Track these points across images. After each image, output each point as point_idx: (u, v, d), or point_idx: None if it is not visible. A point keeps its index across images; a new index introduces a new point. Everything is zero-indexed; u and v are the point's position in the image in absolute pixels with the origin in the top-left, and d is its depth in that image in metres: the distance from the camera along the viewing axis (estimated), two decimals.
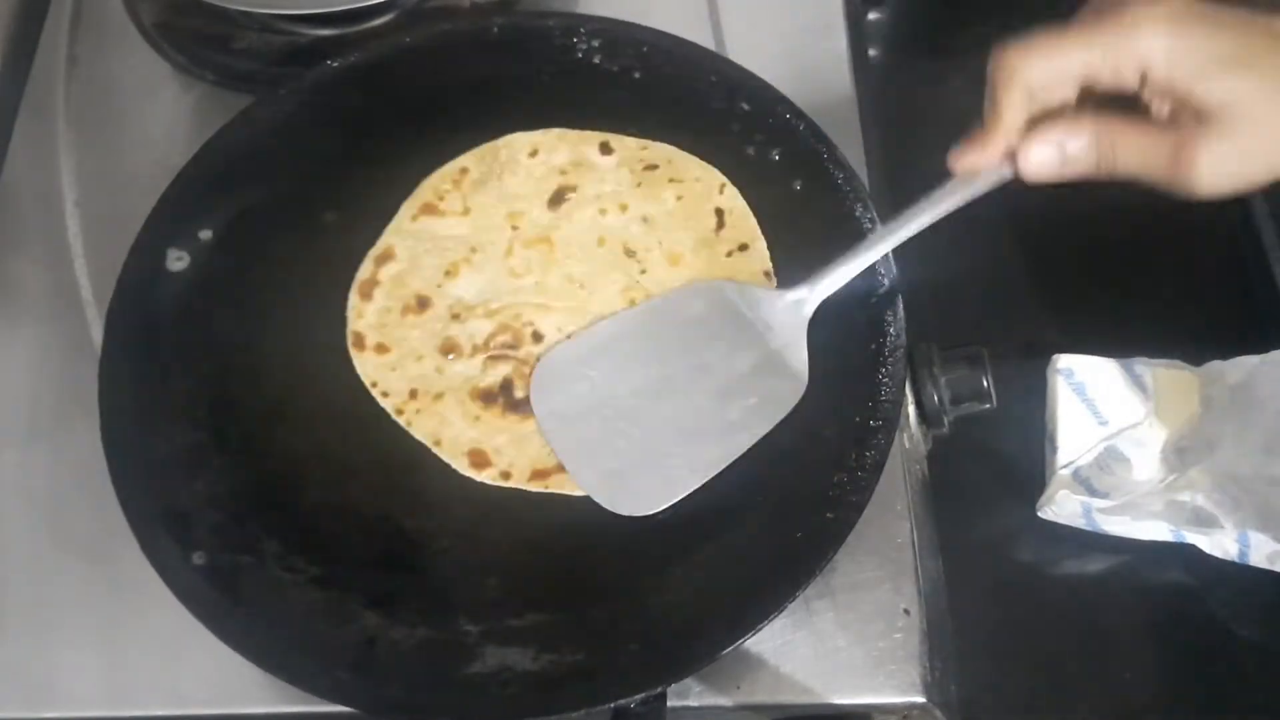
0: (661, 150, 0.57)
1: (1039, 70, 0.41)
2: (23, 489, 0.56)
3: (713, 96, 0.58)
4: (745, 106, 0.57)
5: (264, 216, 0.57)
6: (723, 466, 0.49)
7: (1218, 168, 0.40)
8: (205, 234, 0.56)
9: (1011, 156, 0.43)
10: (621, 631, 0.46)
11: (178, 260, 0.55)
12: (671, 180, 0.56)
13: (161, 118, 0.67)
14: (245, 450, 0.51)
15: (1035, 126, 0.42)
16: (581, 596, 0.47)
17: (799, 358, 0.50)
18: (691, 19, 0.67)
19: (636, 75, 0.59)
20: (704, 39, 0.65)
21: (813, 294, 0.50)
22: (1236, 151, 0.40)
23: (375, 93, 0.60)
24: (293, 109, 0.59)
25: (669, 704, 0.45)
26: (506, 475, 0.50)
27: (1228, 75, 0.39)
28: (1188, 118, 0.40)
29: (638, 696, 0.44)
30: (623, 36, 0.60)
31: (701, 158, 0.57)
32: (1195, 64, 0.39)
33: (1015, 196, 0.75)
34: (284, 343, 0.54)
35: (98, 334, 0.58)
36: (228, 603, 0.47)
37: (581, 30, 0.60)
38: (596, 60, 0.60)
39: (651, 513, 0.48)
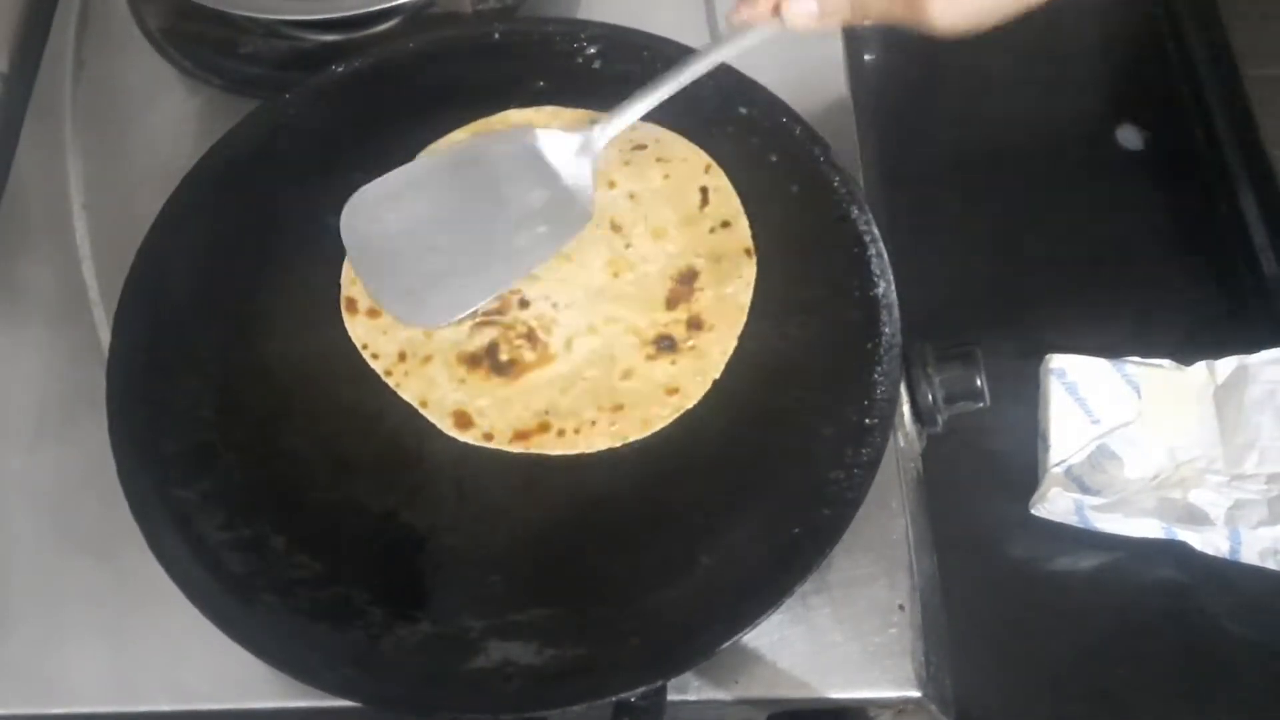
0: (650, 130, 0.58)
1: None
2: (31, 487, 0.57)
3: (710, 100, 0.59)
4: (742, 110, 0.58)
5: (269, 220, 0.57)
6: (509, 284, 0.53)
7: (950, 5, 0.44)
8: (211, 239, 0.57)
9: (777, 10, 0.48)
10: (622, 627, 0.47)
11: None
12: (659, 159, 0.57)
13: (167, 122, 0.67)
14: (251, 449, 0.52)
15: None
16: (583, 592, 0.48)
17: (585, 193, 0.54)
18: (690, 24, 0.68)
19: (636, 80, 0.60)
20: (702, 44, 0.65)
21: (601, 135, 0.54)
22: None
23: (379, 97, 0.60)
24: (297, 113, 0.60)
25: (669, 698, 0.46)
26: (489, 437, 0.51)
27: None
28: None
29: (638, 691, 0.44)
30: (623, 41, 0.60)
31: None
32: None
33: (1014, 195, 0.76)
34: (288, 343, 0.54)
35: (105, 335, 0.58)
36: (234, 599, 0.48)
37: (582, 36, 0.61)
38: (597, 65, 0.60)
39: (440, 324, 0.53)
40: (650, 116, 0.58)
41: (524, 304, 0.54)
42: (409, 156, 0.58)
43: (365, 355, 0.53)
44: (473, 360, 0.53)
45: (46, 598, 0.54)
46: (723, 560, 0.48)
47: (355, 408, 0.53)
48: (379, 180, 0.55)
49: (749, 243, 0.55)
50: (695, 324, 0.53)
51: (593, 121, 0.55)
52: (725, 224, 0.55)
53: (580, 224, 0.54)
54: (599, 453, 0.51)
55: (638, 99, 0.53)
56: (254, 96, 0.64)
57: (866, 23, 0.48)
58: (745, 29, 0.50)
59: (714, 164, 0.57)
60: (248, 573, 0.49)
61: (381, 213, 0.54)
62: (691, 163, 0.57)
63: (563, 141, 0.55)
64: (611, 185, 0.57)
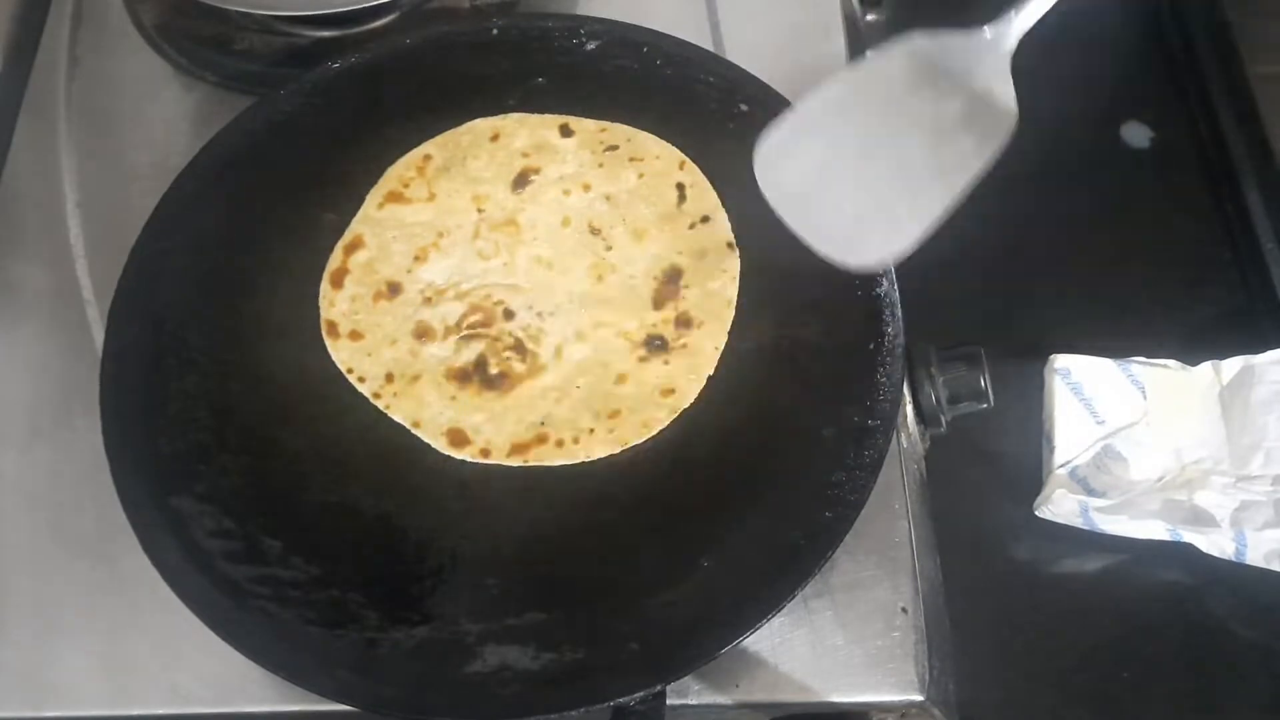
0: (621, 131, 0.58)
1: None
2: (24, 489, 0.56)
3: (711, 96, 0.58)
4: (743, 107, 0.58)
5: (264, 218, 0.57)
6: (948, 204, 0.48)
7: None
8: (206, 237, 0.56)
9: None
10: (621, 630, 0.46)
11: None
12: (632, 159, 0.57)
13: (162, 118, 0.67)
14: (246, 451, 0.52)
15: None
16: (581, 596, 0.47)
17: (1005, 93, 0.49)
18: (690, 20, 0.67)
19: (636, 76, 0.59)
20: (703, 40, 0.65)
21: (1013, 30, 0.49)
22: None
23: (375, 94, 0.60)
24: (293, 110, 0.59)
25: (668, 702, 0.46)
26: (485, 453, 0.51)
27: None
28: None
29: (637, 695, 0.44)
30: (622, 37, 0.60)
31: (699, 158, 0.57)
32: None
33: (1018, 193, 0.76)
34: (283, 343, 0.54)
35: (99, 334, 0.58)
36: (229, 602, 0.47)
37: (581, 31, 0.60)
38: (596, 61, 0.60)
39: (894, 258, 0.49)
40: (653, 124, 0.57)
41: (509, 314, 0.54)
42: (406, 153, 0.58)
43: (351, 379, 0.52)
44: (462, 376, 0.52)
45: (40, 600, 0.54)
46: (723, 563, 0.47)
47: (351, 409, 0.52)
48: (778, 124, 0.51)
49: (730, 236, 0.55)
50: (684, 322, 0.53)
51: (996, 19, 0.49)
52: (705, 219, 0.55)
53: (1008, 125, 0.49)
54: (605, 457, 0.50)
55: None
56: (249, 93, 0.63)
57: None
58: None
59: (688, 160, 0.57)
60: (243, 576, 0.48)
61: (792, 157, 0.51)
62: (665, 160, 0.57)
63: (964, 42, 0.50)
64: (586, 189, 0.56)
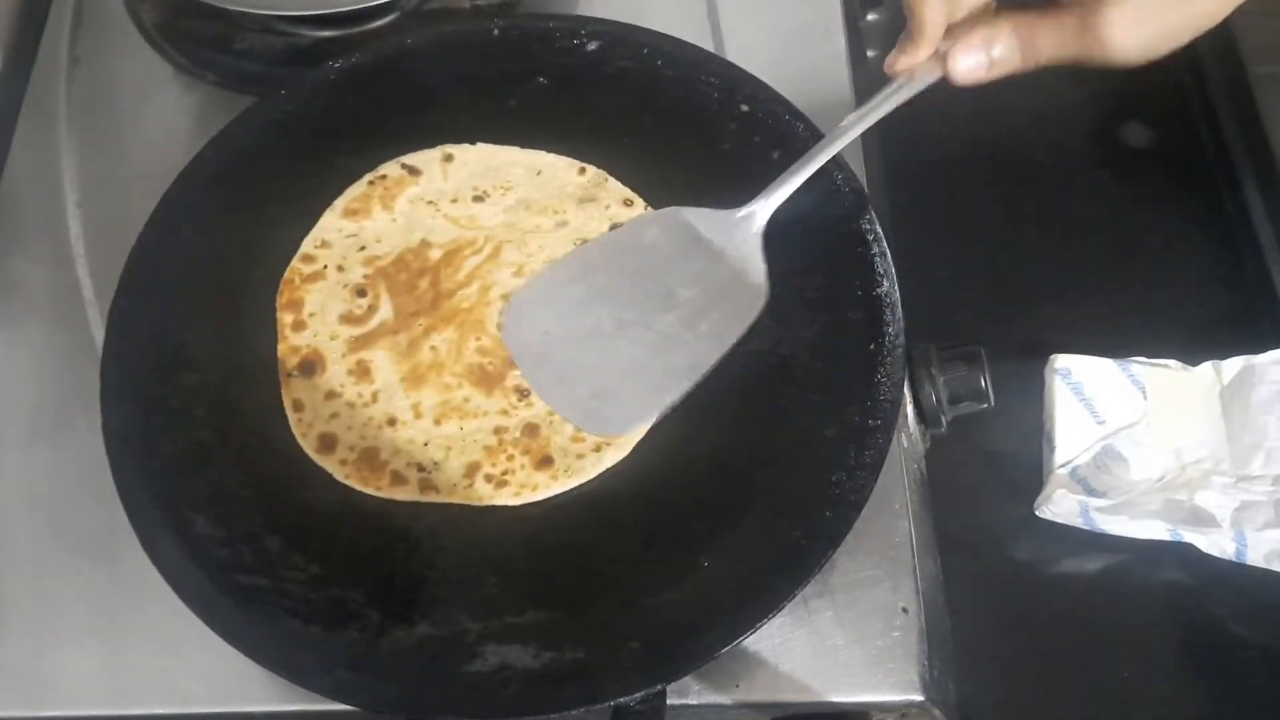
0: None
1: None
2: (25, 487, 0.56)
3: (711, 97, 0.58)
4: (744, 107, 0.58)
5: (264, 218, 0.57)
6: (695, 380, 0.50)
7: (1126, 30, 0.42)
8: (206, 236, 0.56)
9: (940, 59, 0.46)
10: (621, 630, 0.46)
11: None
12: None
13: (163, 118, 0.67)
14: (246, 449, 0.52)
15: (958, 29, 0.46)
16: (581, 595, 0.47)
17: (757, 270, 0.51)
18: (691, 21, 0.67)
19: (636, 77, 0.59)
20: (703, 40, 0.65)
21: (764, 207, 0.51)
22: (1136, 14, 0.42)
23: (376, 94, 0.60)
24: (294, 110, 0.59)
25: (669, 702, 0.46)
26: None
27: None
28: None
29: (638, 694, 0.44)
30: (623, 38, 0.60)
31: (699, 158, 0.57)
32: None
33: (1018, 193, 0.76)
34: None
35: (99, 333, 0.58)
36: (229, 601, 0.47)
37: (582, 32, 0.60)
38: (596, 62, 0.60)
39: (636, 430, 0.50)
40: (653, 125, 0.57)
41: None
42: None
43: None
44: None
45: (40, 599, 0.54)
46: (724, 562, 0.47)
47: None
48: (532, 282, 0.53)
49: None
50: None
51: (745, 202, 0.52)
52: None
53: (758, 302, 0.51)
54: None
55: (798, 168, 0.51)
56: (250, 93, 0.63)
57: (1036, 69, 0.45)
58: (906, 79, 0.48)
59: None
60: (242, 575, 0.48)
61: (543, 318, 0.52)
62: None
63: (720, 219, 0.52)
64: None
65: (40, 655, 0.52)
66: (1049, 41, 0.44)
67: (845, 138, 0.50)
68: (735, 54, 0.64)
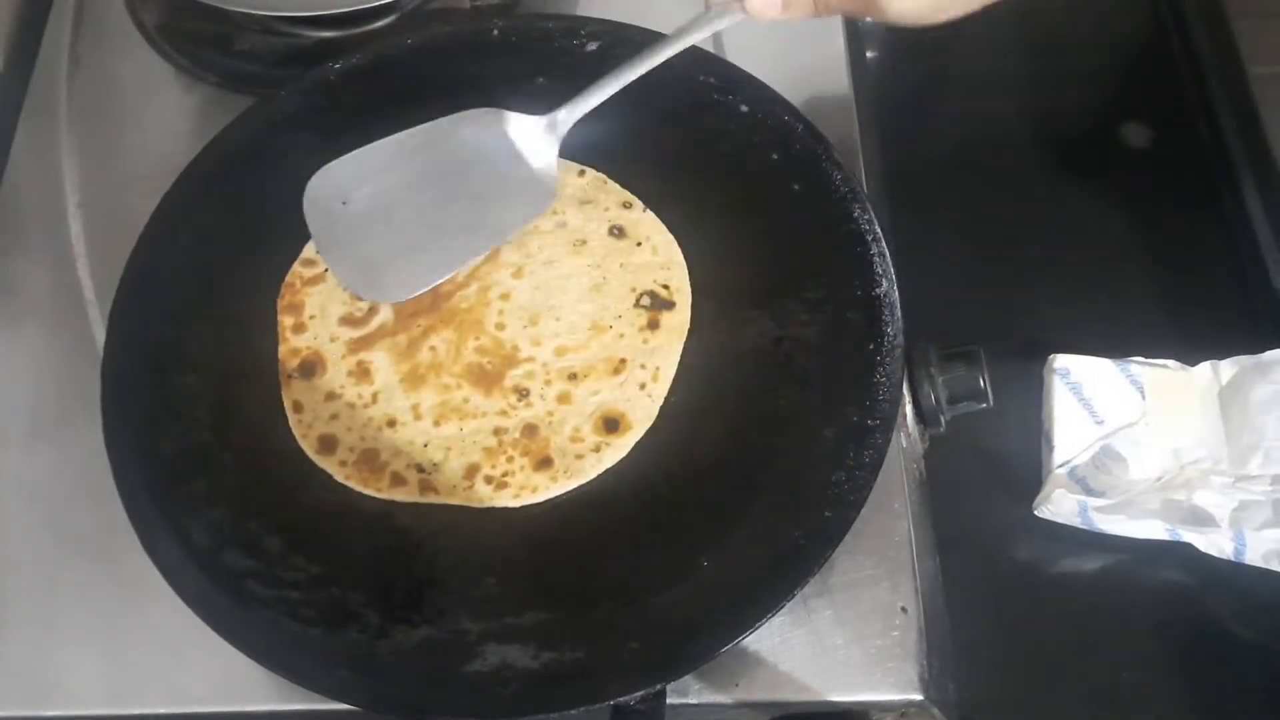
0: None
1: None
2: (25, 488, 0.56)
3: (711, 97, 0.58)
4: (743, 108, 0.58)
5: (265, 218, 0.57)
6: (467, 261, 0.53)
7: None
8: (206, 237, 0.56)
9: None
10: (621, 629, 0.46)
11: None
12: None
13: (163, 119, 0.67)
14: (246, 449, 0.52)
15: None
16: (581, 595, 0.48)
17: (549, 175, 0.54)
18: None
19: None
20: (703, 41, 0.65)
21: (567, 118, 0.54)
22: None
23: (376, 94, 0.60)
24: (294, 110, 0.59)
25: (668, 701, 0.46)
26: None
27: None
28: None
29: (637, 694, 0.44)
30: (622, 38, 0.60)
31: (699, 158, 0.57)
32: None
33: (1018, 193, 0.76)
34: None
35: (100, 334, 0.58)
36: (229, 601, 0.47)
37: (581, 32, 0.60)
38: (596, 62, 0.60)
39: (395, 300, 0.53)
40: (653, 124, 0.57)
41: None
42: None
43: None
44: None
45: (41, 600, 0.54)
46: (723, 562, 0.48)
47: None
48: (344, 158, 0.55)
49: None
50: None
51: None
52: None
53: (543, 205, 0.54)
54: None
55: (602, 83, 0.53)
56: (250, 93, 0.63)
57: (827, 15, 0.48)
58: (716, 14, 0.50)
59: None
60: (243, 575, 0.48)
61: (345, 189, 0.54)
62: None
63: (528, 124, 0.54)
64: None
65: (40, 655, 0.52)
66: None
67: (646, 62, 0.52)
68: (735, 54, 0.64)
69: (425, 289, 0.52)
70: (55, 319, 0.61)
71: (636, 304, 0.54)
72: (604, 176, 0.58)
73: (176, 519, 0.49)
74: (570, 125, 0.54)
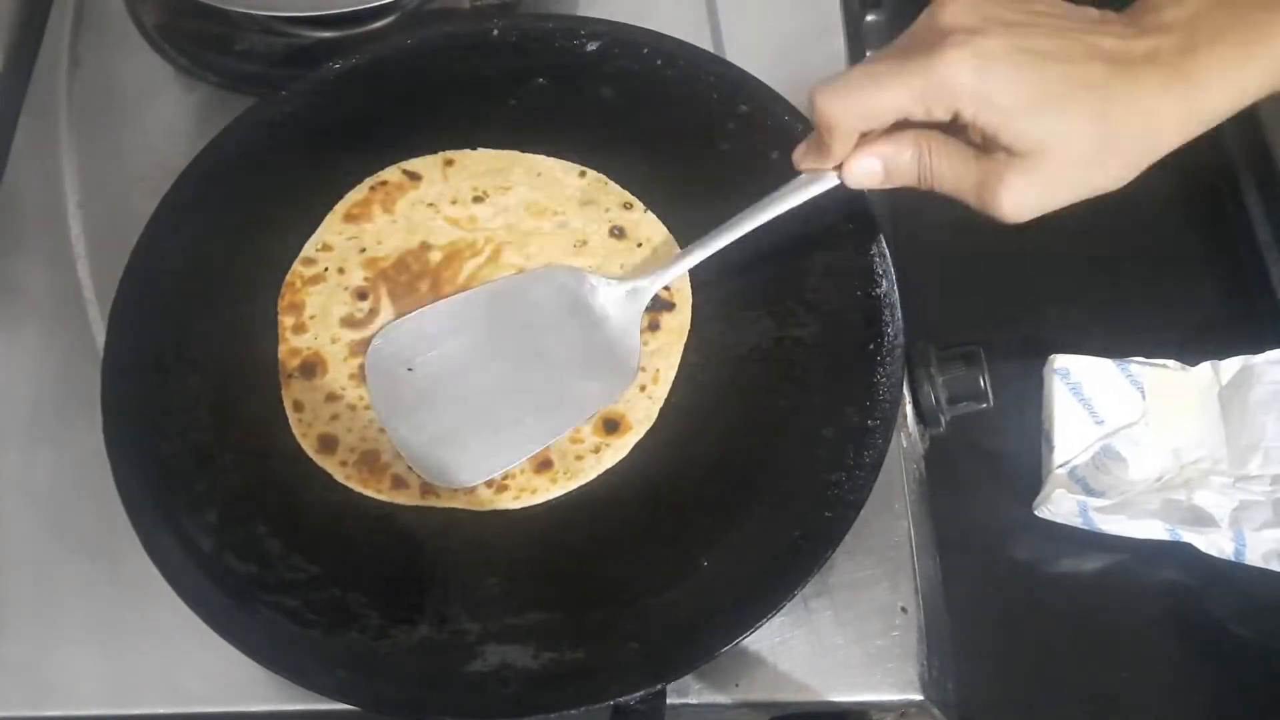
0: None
1: (855, 116, 0.43)
2: (25, 488, 0.56)
3: (711, 97, 0.58)
4: (743, 107, 0.58)
5: (265, 218, 0.57)
6: (543, 445, 0.49)
7: (1021, 199, 0.42)
8: (207, 237, 0.56)
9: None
10: (621, 630, 0.46)
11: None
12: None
13: (163, 119, 0.67)
14: (246, 449, 0.52)
15: (864, 139, 0.45)
16: (581, 595, 0.47)
17: (631, 348, 0.51)
18: (690, 21, 0.67)
19: (636, 77, 0.59)
20: (703, 41, 0.65)
21: (650, 285, 0.51)
22: (1038, 184, 0.42)
23: (376, 95, 0.60)
24: (294, 110, 0.59)
25: (668, 701, 0.46)
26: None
27: (1031, 118, 0.40)
28: (999, 149, 0.42)
29: (637, 694, 0.44)
30: (622, 38, 0.60)
31: (699, 158, 0.57)
32: (1000, 108, 0.40)
33: None
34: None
35: (100, 334, 0.58)
36: (230, 601, 0.47)
37: (581, 32, 0.60)
38: (596, 62, 0.60)
39: (468, 485, 0.49)
40: (653, 125, 0.57)
41: None
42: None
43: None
44: None
45: (41, 599, 0.54)
46: (723, 563, 0.48)
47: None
48: (410, 317, 0.53)
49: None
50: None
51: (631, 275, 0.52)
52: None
53: (626, 380, 0.50)
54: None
55: (690, 252, 0.50)
56: (250, 94, 0.63)
57: (931, 191, 0.45)
58: (808, 179, 0.47)
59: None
60: (244, 575, 0.48)
61: (410, 353, 0.51)
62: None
63: (610, 288, 0.52)
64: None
65: (40, 655, 0.52)
66: (947, 175, 0.44)
67: (737, 231, 0.49)
68: (735, 54, 0.64)
69: (496, 474, 0.49)
70: (55, 319, 0.61)
71: None
72: (604, 177, 0.58)
73: (177, 519, 0.49)
74: (653, 293, 0.51)
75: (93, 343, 0.59)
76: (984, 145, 0.42)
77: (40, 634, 0.53)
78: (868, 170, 0.45)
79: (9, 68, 0.69)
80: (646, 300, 0.51)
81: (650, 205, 0.57)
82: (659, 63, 0.59)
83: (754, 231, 0.50)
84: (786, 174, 0.56)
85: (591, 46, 0.60)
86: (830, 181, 0.47)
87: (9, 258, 0.64)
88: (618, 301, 0.51)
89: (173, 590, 0.47)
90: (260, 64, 0.67)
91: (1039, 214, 0.43)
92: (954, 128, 0.43)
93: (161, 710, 0.51)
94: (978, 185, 0.43)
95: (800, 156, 0.47)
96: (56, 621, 0.53)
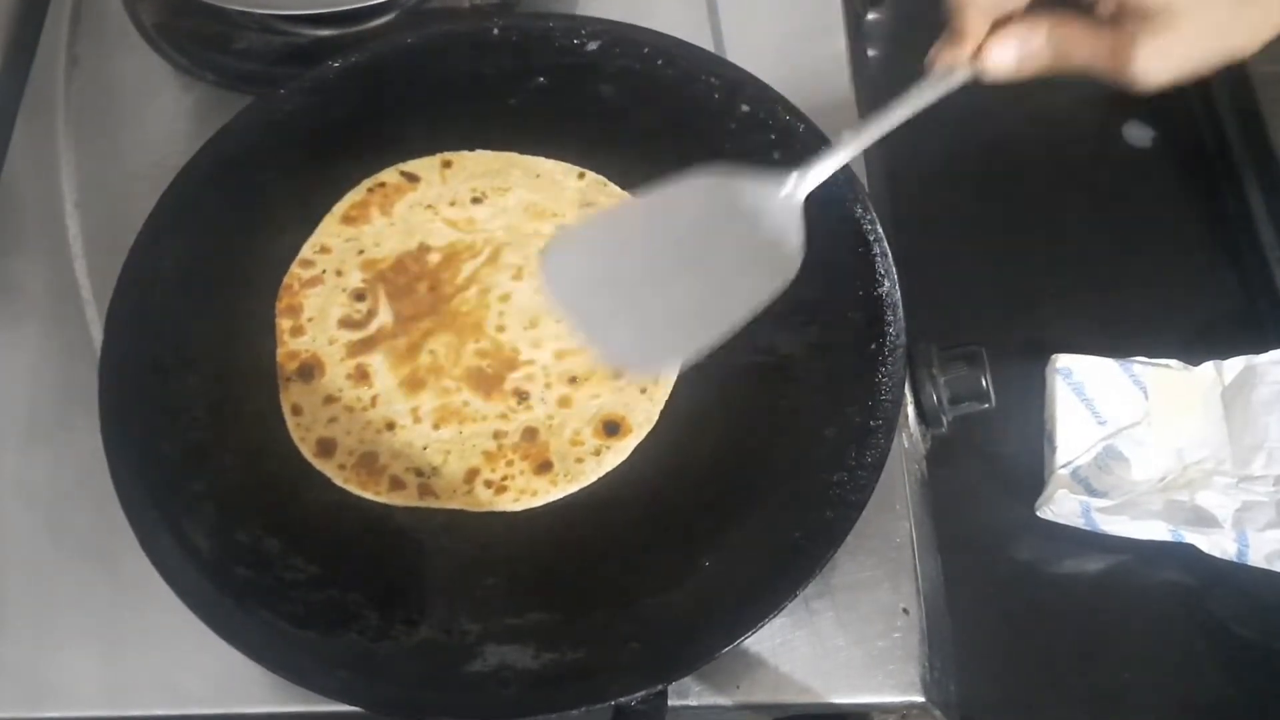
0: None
1: None
2: (23, 488, 0.56)
3: (712, 97, 0.58)
4: (745, 107, 0.58)
5: (263, 218, 0.57)
6: (723, 331, 0.48)
7: (1156, 61, 0.42)
8: (205, 236, 0.56)
9: (975, 55, 0.46)
10: (622, 630, 0.46)
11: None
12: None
13: (161, 118, 0.67)
14: (245, 449, 0.51)
15: (996, 27, 0.45)
16: (582, 595, 0.47)
17: (793, 242, 0.50)
18: (691, 21, 0.67)
19: (636, 76, 0.59)
20: (703, 40, 0.65)
21: (806, 182, 0.50)
22: (1172, 46, 0.42)
23: (375, 93, 0.60)
24: (293, 109, 0.59)
25: (669, 703, 0.46)
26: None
27: None
28: (1130, 15, 0.42)
29: (638, 695, 0.44)
30: (622, 38, 0.60)
31: (699, 158, 0.57)
32: None
33: (1020, 193, 0.76)
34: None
35: (98, 334, 0.58)
36: (229, 602, 0.47)
37: (582, 32, 0.60)
38: (597, 62, 0.60)
39: (665, 368, 0.51)
40: (654, 124, 0.57)
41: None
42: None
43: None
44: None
45: (39, 600, 0.54)
46: (724, 563, 0.47)
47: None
48: (576, 227, 0.53)
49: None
50: None
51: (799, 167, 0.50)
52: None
53: (787, 274, 0.49)
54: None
55: (841, 147, 0.50)
56: (248, 92, 0.63)
57: (1067, 70, 0.45)
58: (944, 73, 0.46)
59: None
60: (243, 575, 0.48)
61: (582, 260, 0.51)
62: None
63: (764, 188, 0.50)
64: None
65: (40, 656, 0.52)
66: (1081, 50, 0.44)
67: (884, 123, 0.48)
68: (735, 54, 0.64)
69: (690, 357, 0.49)
70: (53, 318, 0.61)
71: None
72: (604, 179, 0.57)
73: (175, 520, 0.49)
74: (809, 189, 0.50)
75: (90, 342, 0.59)
76: (1116, 18, 0.43)
77: (38, 635, 0.53)
78: (1004, 57, 0.45)
79: (6, 66, 0.69)
80: (802, 196, 0.50)
81: None
82: (660, 62, 0.59)
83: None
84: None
85: (592, 46, 0.60)
86: (963, 75, 0.46)
87: (6, 257, 0.63)
88: (773, 199, 0.50)
89: (171, 591, 0.47)
90: (259, 63, 0.67)
91: (1176, 78, 0.43)
92: (1084, 6, 0.43)
93: (160, 711, 0.51)
94: (1112, 53, 0.43)
95: (934, 54, 0.47)
96: (54, 622, 0.53)
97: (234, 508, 0.50)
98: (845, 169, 0.54)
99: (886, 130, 0.49)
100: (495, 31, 0.61)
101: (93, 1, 0.72)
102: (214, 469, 0.51)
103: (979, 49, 0.45)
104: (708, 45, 0.63)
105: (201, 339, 0.54)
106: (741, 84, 0.58)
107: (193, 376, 0.53)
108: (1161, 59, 0.42)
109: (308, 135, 0.59)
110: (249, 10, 0.65)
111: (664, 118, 0.58)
